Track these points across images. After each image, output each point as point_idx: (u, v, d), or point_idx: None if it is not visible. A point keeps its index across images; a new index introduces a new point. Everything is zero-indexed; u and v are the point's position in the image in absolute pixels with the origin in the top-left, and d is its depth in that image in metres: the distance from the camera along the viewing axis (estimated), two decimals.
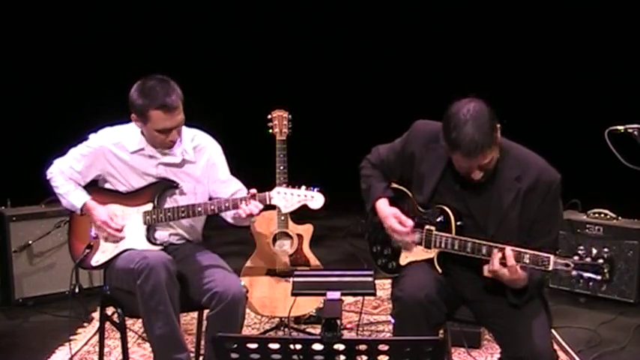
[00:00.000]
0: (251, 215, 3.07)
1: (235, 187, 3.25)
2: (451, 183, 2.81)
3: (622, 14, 6.56)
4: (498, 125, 2.67)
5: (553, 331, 3.77)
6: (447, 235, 2.79)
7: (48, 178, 3.26)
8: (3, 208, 4.56)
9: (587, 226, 4.49)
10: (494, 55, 6.85)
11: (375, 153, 3.08)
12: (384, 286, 4.18)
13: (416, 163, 2.88)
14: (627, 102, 5.70)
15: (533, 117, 6.59)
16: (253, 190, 3.09)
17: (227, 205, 3.09)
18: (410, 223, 2.86)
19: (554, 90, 6.82)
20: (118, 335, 3.25)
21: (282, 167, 3.68)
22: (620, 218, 4.53)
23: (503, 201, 2.73)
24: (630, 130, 3.19)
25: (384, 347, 2.15)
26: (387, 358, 2.14)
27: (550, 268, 2.57)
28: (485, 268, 2.67)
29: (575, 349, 3.88)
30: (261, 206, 3.07)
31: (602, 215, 4.54)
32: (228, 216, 3.22)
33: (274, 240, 3.86)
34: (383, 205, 2.94)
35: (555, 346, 3.83)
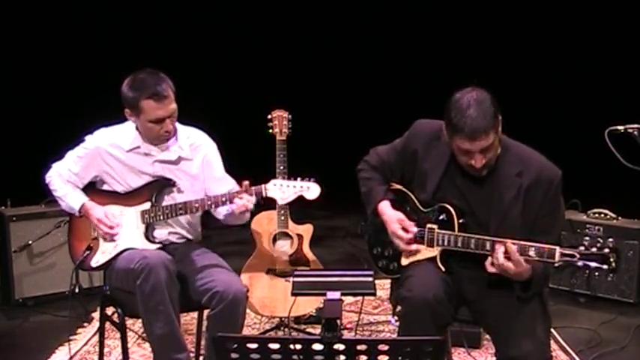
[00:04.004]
0: (245, 210, 3.07)
1: (229, 186, 3.24)
2: (453, 179, 2.81)
3: (622, 14, 6.56)
4: (500, 117, 2.67)
5: (553, 331, 3.78)
6: (450, 232, 2.79)
7: (47, 181, 3.27)
8: (3, 208, 4.56)
9: (587, 226, 4.49)
10: (493, 56, 6.86)
11: (374, 154, 3.06)
12: (384, 286, 4.17)
13: (418, 160, 2.87)
14: (627, 102, 5.71)
15: (534, 117, 6.59)
16: (246, 182, 3.09)
17: (224, 199, 3.09)
18: (413, 229, 2.86)
19: (554, 90, 6.83)
20: (118, 335, 3.25)
21: (282, 167, 3.68)
22: (620, 218, 4.53)
23: (505, 197, 2.72)
24: (630, 130, 3.19)
25: (384, 347, 2.14)
26: (387, 358, 2.13)
27: (556, 259, 2.57)
28: (488, 263, 2.66)
29: (575, 349, 3.87)
30: (254, 200, 3.06)
31: (602, 215, 4.53)
32: (221, 214, 3.23)
33: (274, 240, 3.85)
34: (386, 208, 2.93)
35: (555, 346, 3.86)
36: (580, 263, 2.56)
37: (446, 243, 2.79)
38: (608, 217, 4.53)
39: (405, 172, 2.96)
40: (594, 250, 2.56)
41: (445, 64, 6.98)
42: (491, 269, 2.66)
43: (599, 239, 4.31)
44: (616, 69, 6.60)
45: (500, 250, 2.62)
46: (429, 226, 2.84)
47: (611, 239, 4.35)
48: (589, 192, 4.64)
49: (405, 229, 2.86)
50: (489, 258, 2.66)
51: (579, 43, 6.73)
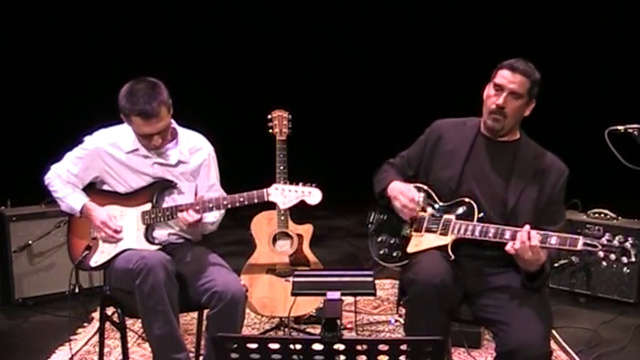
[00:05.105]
0: (188, 223, 3.08)
1: (215, 194, 3.24)
2: (478, 155, 2.94)
3: (622, 14, 6.56)
4: (533, 99, 2.90)
5: (553, 331, 3.78)
6: (468, 222, 2.82)
7: (46, 183, 3.27)
8: (3, 208, 4.56)
9: (587, 226, 4.48)
10: (493, 56, 6.85)
11: (395, 157, 3.18)
12: (383, 286, 4.19)
13: (442, 144, 3.00)
14: (627, 102, 5.71)
15: (534, 116, 6.58)
16: (201, 195, 3.15)
17: (225, 202, 3.10)
18: (420, 194, 2.93)
19: (554, 90, 6.81)
20: (118, 335, 3.26)
21: (282, 167, 3.68)
22: (620, 218, 4.52)
23: (526, 173, 2.86)
24: (630, 130, 3.19)
25: (384, 347, 2.14)
26: (387, 358, 2.13)
27: (578, 247, 2.62)
28: (509, 245, 2.68)
29: (575, 349, 3.88)
30: (196, 217, 3.06)
31: (602, 215, 4.53)
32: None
33: (274, 240, 3.85)
34: (396, 184, 3.00)
35: (555, 346, 3.86)
36: (600, 254, 2.61)
37: (462, 232, 2.82)
38: (608, 217, 4.53)
39: (423, 161, 3.05)
40: (616, 242, 2.62)
41: (445, 63, 6.98)
42: (510, 250, 2.68)
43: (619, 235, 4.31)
44: (616, 69, 6.60)
45: (523, 234, 2.65)
46: (445, 217, 2.88)
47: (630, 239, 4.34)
48: (589, 192, 4.63)
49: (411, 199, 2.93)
50: (511, 243, 2.69)
51: (579, 43, 6.73)
